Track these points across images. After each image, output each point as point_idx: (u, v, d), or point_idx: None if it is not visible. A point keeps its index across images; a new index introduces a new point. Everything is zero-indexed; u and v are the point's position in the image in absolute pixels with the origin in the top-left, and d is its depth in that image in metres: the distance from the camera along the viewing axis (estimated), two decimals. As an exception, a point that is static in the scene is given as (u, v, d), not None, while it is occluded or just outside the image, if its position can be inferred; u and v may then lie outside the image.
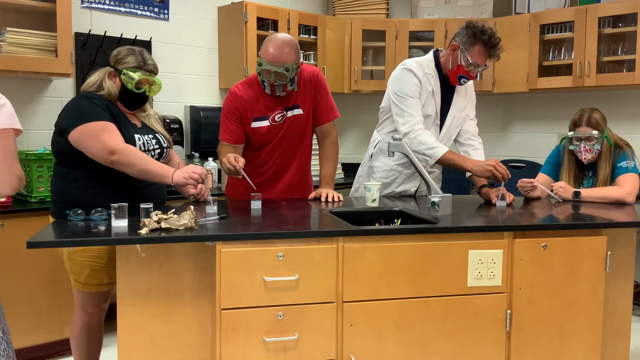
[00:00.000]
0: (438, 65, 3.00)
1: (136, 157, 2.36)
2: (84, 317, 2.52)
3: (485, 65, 2.90)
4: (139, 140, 2.49)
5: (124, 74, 2.49)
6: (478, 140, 3.10)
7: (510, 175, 2.75)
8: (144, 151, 2.49)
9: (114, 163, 2.35)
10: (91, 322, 2.53)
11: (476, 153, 3.02)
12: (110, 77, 2.52)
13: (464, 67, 2.87)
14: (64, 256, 2.48)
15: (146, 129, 2.60)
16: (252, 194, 2.57)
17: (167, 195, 2.72)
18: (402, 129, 2.91)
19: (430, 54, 3.05)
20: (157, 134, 2.62)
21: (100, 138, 2.34)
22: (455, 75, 2.92)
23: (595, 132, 2.93)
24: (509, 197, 2.83)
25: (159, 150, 2.59)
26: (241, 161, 2.62)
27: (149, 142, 2.54)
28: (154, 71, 2.55)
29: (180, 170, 2.40)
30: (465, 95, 3.08)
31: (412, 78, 2.94)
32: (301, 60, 2.80)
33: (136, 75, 2.48)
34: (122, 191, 2.42)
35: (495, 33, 2.85)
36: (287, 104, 2.84)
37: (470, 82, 3.11)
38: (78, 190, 2.43)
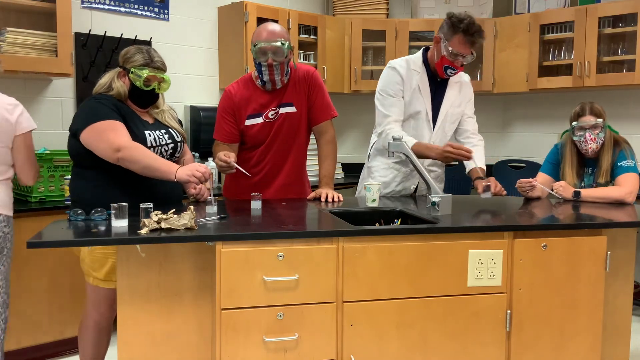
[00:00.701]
0: (426, 61, 3.02)
1: (140, 154, 2.38)
2: (95, 316, 2.54)
3: (472, 53, 2.89)
4: (150, 136, 2.52)
5: (132, 72, 2.51)
6: (477, 137, 3.12)
7: (472, 152, 2.78)
8: (156, 146, 2.52)
9: (119, 160, 2.37)
10: (101, 322, 2.55)
11: (476, 149, 3.02)
12: (120, 77, 2.56)
13: (447, 58, 2.88)
14: (81, 255, 2.50)
15: (158, 125, 2.62)
16: (252, 194, 2.57)
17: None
18: (378, 129, 2.98)
19: (420, 51, 3.07)
20: (170, 129, 2.64)
21: (107, 136, 2.38)
22: (440, 66, 2.93)
23: (599, 120, 2.94)
24: (494, 187, 2.85)
25: (172, 145, 2.60)
26: (232, 156, 2.65)
27: (161, 137, 2.56)
28: (161, 68, 2.58)
29: (184, 167, 2.41)
30: (459, 91, 3.09)
31: (394, 76, 2.98)
32: (292, 45, 2.82)
33: (144, 73, 2.50)
34: (136, 190, 2.45)
35: (474, 21, 2.83)
36: (280, 100, 2.85)
37: (467, 80, 3.12)
38: (94, 190, 2.46)
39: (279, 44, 2.70)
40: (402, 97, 2.98)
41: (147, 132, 2.52)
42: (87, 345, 2.58)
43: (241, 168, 2.66)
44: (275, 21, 4.39)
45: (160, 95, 2.65)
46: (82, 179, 2.51)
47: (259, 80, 2.81)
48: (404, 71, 2.98)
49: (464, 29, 2.80)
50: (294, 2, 5.01)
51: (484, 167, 3.03)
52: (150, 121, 2.62)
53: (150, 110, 2.64)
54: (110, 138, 2.37)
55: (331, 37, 4.80)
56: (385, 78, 3.01)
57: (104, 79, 2.57)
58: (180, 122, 2.80)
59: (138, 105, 2.58)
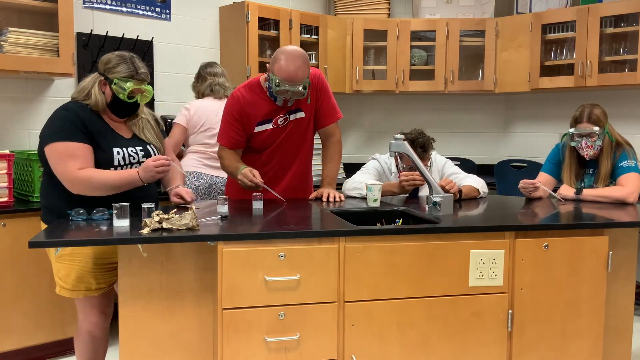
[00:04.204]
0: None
1: (98, 182, 2.28)
2: (87, 326, 2.46)
3: (429, 162, 3.12)
4: (119, 154, 2.38)
5: (115, 83, 2.37)
6: (465, 177, 3.12)
7: (418, 175, 2.87)
8: (125, 165, 2.39)
9: (80, 193, 2.29)
10: (94, 332, 2.47)
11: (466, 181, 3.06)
12: (100, 87, 2.40)
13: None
14: (51, 261, 2.41)
15: (135, 141, 2.49)
16: (254, 193, 2.56)
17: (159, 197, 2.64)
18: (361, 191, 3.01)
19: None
20: (147, 145, 2.50)
21: (64, 164, 2.27)
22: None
23: (596, 128, 2.93)
24: (446, 183, 2.85)
25: None
26: (257, 175, 2.63)
27: (133, 155, 2.43)
28: (145, 80, 2.44)
29: (142, 170, 2.33)
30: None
31: (375, 165, 3.21)
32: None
33: (128, 86, 2.36)
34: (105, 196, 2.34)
35: (421, 130, 3.10)
36: (289, 107, 2.84)
37: (441, 161, 3.23)
38: (60, 195, 2.34)
39: (300, 88, 2.67)
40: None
41: (115, 150, 2.37)
42: (83, 355, 2.50)
43: (270, 189, 2.57)
44: (277, 21, 4.41)
45: (140, 105, 2.50)
46: (49, 184, 2.39)
47: (269, 91, 2.79)
48: (385, 167, 3.20)
49: (412, 139, 3.03)
50: (296, 2, 5.01)
51: (470, 185, 2.98)
52: (128, 135, 2.48)
53: (128, 121, 2.50)
54: (68, 167, 2.26)
55: (333, 37, 4.80)
56: (368, 165, 3.21)
57: (84, 84, 2.42)
58: (166, 125, 2.65)
59: (118, 115, 2.44)
